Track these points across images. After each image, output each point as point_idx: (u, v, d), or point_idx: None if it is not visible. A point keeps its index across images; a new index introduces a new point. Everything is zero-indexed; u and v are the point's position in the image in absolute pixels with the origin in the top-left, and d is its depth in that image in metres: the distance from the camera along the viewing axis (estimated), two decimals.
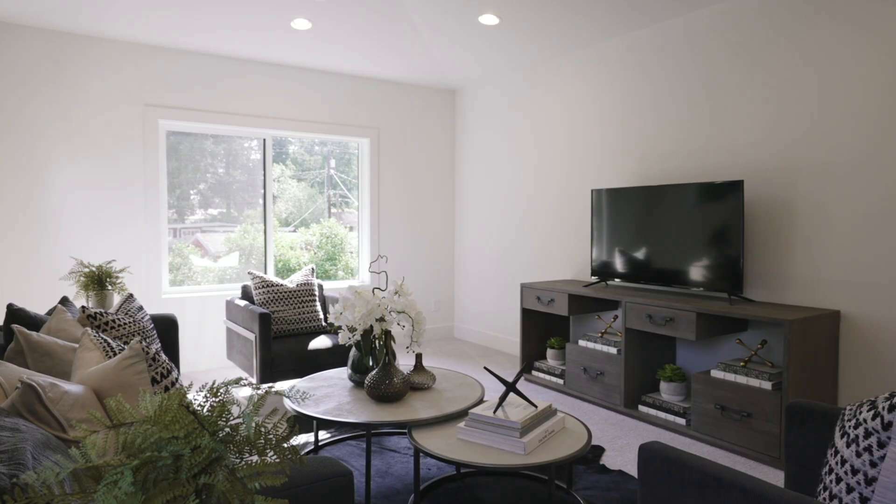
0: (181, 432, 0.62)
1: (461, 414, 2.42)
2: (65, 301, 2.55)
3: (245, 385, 0.77)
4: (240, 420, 0.72)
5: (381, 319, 2.64)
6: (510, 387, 2.29)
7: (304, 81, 4.99)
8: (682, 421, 3.26)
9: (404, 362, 3.39)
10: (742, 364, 3.04)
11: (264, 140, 4.91)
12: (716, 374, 3.09)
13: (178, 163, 4.56)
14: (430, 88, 5.68)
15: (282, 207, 5.13)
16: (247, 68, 4.71)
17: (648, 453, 1.39)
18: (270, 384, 3.53)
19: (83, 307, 2.22)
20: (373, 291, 2.70)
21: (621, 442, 3.14)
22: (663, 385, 3.42)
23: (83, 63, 4.10)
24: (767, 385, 2.86)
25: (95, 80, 4.14)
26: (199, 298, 4.58)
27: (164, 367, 1.69)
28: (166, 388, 1.68)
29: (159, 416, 0.63)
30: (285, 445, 0.72)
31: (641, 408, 3.49)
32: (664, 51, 3.81)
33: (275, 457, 0.73)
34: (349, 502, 1.10)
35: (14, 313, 2.21)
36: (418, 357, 2.75)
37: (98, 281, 3.06)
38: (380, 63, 4.85)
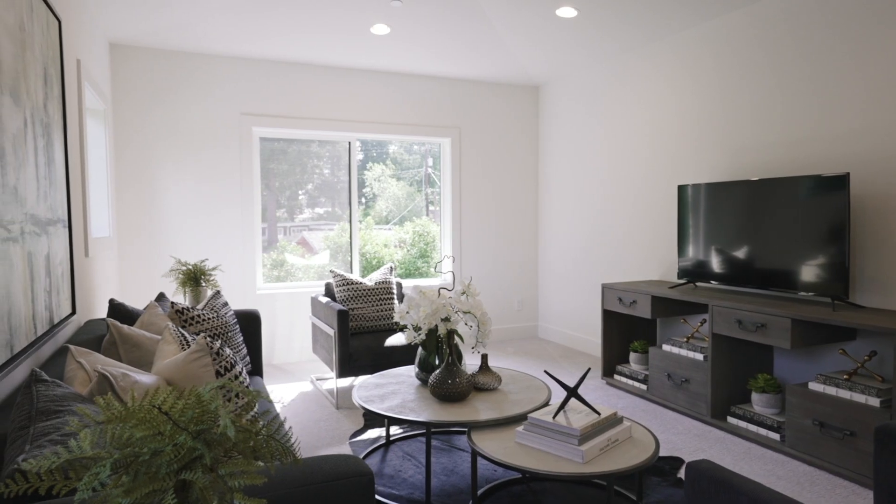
0: (164, 428, 0.67)
1: (523, 417, 2.38)
2: (160, 297, 2.80)
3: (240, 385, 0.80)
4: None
5: (446, 319, 2.65)
6: (571, 392, 2.22)
7: (385, 85, 5.12)
8: (775, 436, 2.99)
9: (472, 362, 3.39)
10: (846, 377, 2.73)
11: (349, 143, 5.11)
12: (814, 386, 2.80)
13: (287, 165, 4.88)
14: (510, 86, 5.62)
15: (382, 206, 5.32)
16: (331, 75, 4.92)
17: (695, 473, 1.29)
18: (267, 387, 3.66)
19: (172, 303, 2.43)
20: (438, 292, 2.72)
21: (704, 455, 2.93)
22: (755, 396, 3.16)
23: (187, 77, 4.48)
24: (875, 401, 2.55)
25: (197, 92, 4.51)
26: (290, 294, 4.85)
27: (227, 362, 1.81)
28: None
29: (130, 413, 0.68)
30: (274, 446, 0.75)
31: (731, 419, 3.24)
32: (752, 36, 3.50)
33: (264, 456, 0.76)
34: (368, 503, 1.12)
35: (115, 308, 2.46)
36: (484, 358, 2.74)
37: (194, 278, 3.33)
38: (458, 62, 4.87)
